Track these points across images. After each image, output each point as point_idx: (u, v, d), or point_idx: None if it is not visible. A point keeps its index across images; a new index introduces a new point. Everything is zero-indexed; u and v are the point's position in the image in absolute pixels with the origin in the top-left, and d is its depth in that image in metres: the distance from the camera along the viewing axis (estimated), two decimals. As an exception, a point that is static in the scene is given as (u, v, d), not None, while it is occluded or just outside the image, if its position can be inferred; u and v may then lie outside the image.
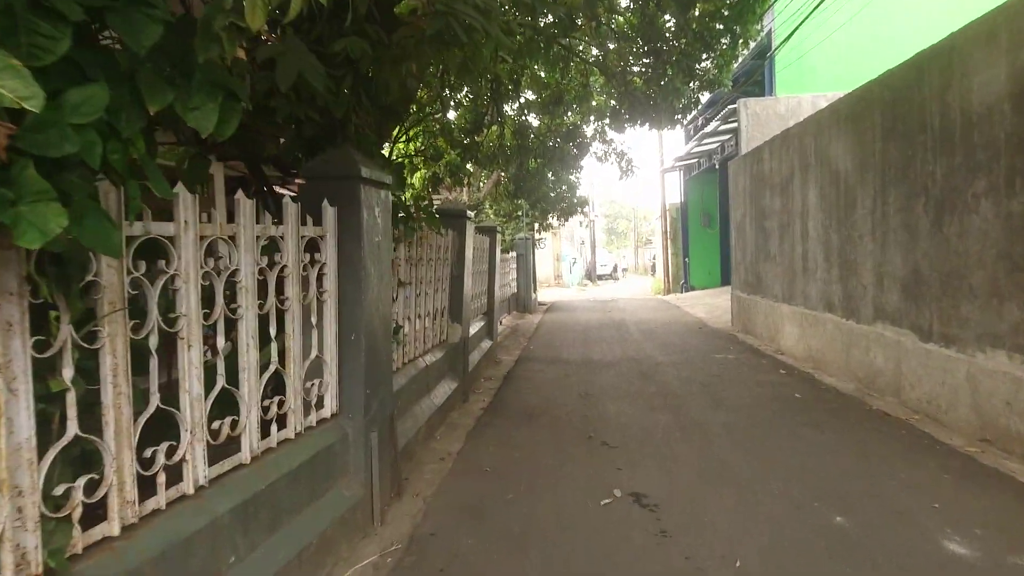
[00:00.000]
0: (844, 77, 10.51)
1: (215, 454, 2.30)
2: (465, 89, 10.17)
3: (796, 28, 9.47)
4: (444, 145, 10.23)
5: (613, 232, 77.74)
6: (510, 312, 13.79)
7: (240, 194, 2.32)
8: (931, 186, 4.96)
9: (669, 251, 22.15)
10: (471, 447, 4.61)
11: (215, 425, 2.26)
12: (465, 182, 16.11)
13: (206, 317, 2.20)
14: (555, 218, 20.40)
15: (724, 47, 9.79)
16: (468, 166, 10.95)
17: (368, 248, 3.11)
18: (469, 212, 7.34)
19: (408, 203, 4.60)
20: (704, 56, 10.16)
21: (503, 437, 4.87)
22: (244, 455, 2.43)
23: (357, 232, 3.03)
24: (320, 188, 2.97)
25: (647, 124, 10.76)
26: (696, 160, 18.51)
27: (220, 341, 2.27)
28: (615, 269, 42.52)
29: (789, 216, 8.33)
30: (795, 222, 8.08)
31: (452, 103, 10.40)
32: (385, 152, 7.61)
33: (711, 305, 15.35)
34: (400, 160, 9.22)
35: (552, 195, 19.39)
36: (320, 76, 2.14)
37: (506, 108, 11.40)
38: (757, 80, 13.57)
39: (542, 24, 7.95)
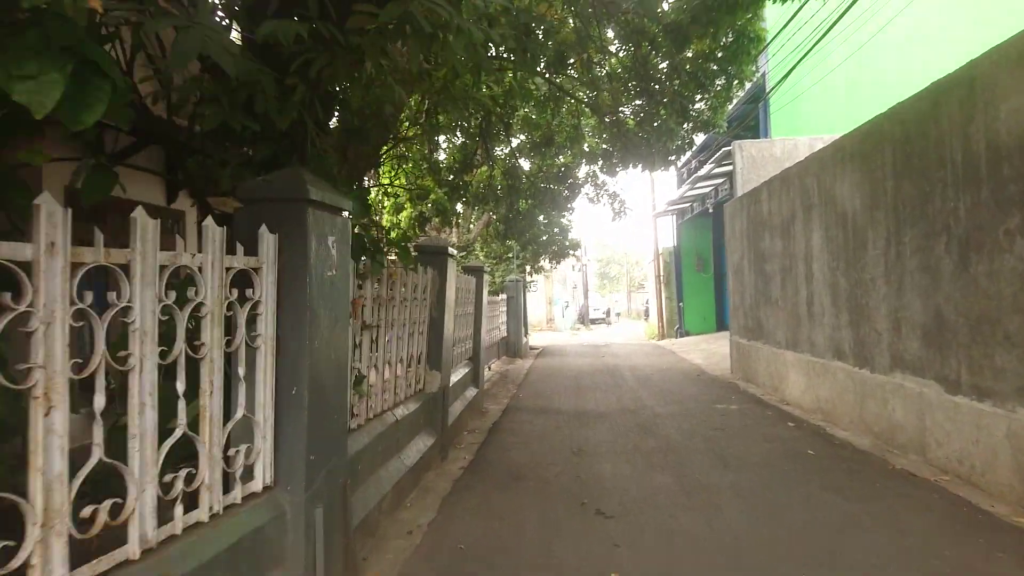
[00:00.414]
0: (839, 120, 10.32)
1: (88, 550, 1.74)
2: (455, 126, 9.89)
3: (792, 68, 9.30)
4: (432, 184, 9.88)
5: (606, 276, 77.67)
6: (500, 357, 13.23)
7: (138, 211, 1.83)
8: (954, 224, 4.55)
9: (663, 295, 21.76)
10: (445, 517, 4.01)
11: (86, 512, 1.71)
12: (454, 223, 15.77)
13: (78, 369, 1.68)
14: (547, 260, 20.06)
15: (719, 88, 9.60)
16: (457, 207, 10.58)
17: (317, 284, 2.61)
18: (452, 249, 6.81)
19: (374, 234, 4.12)
20: (699, 97, 9.96)
21: (484, 504, 4.28)
22: (131, 549, 1.86)
23: (303, 265, 2.53)
24: (259, 212, 2.48)
25: (640, 165, 10.49)
26: (689, 204, 18.32)
27: (98, 400, 1.74)
28: (608, 313, 42.08)
29: (791, 259, 7.93)
30: (798, 265, 7.67)
31: (440, 141, 10.11)
32: (365, 183, 7.15)
33: (708, 351, 14.85)
34: (373, 187, 8.78)
35: (543, 238, 19.12)
36: (232, 61, 1.69)
37: (496, 149, 11.14)
38: (751, 124, 13.47)
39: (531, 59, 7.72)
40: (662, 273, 21.81)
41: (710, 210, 16.03)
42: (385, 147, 5.95)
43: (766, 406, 7.78)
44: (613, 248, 76.67)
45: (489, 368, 11.85)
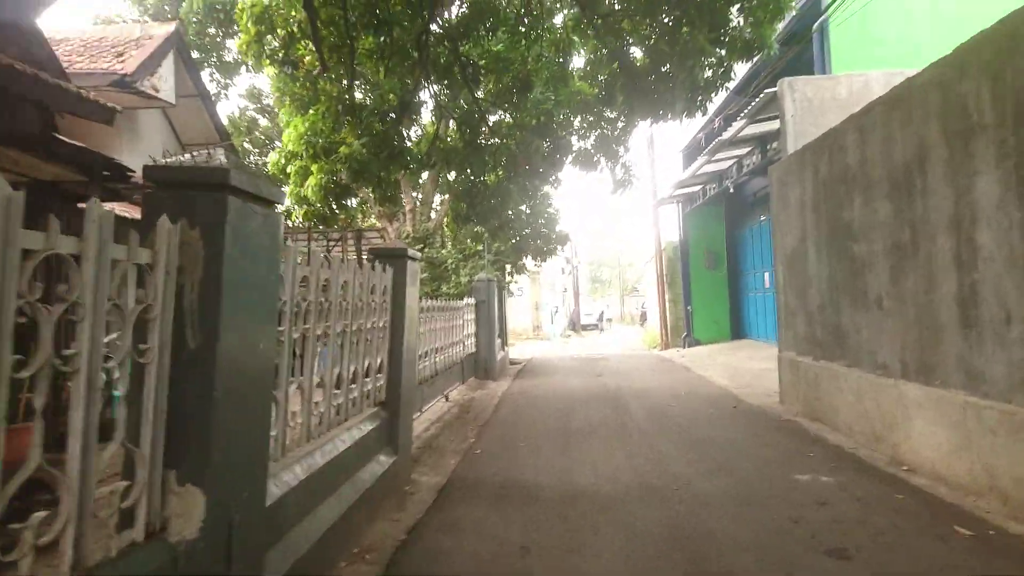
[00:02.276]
0: (922, 49, 7.20)
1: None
2: (385, 55, 6.69)
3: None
4: (348, 131, 6.68)
5: (597, 280, 74.68)
6: (464, 380, 10.00)
7: None
8: None
9: (666, 297, 18.62)
10: None
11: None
12: (408, 208, 12.51)
13: None
14: (530, 259, 16.89)
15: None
16: (390, 172, 7.35)
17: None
18: (413, 252, 4.86)
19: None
20: (736, 6, 6.85)
21: None
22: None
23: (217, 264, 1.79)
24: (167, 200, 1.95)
25: (653, 113, 7.35)
26: (701, 186, 15.21)
27: None
28: (601, 318, 38.91)
29: (914, 230, 4.81)
30: (935, 239, 4.54)
31: (358, 69, 6.89)
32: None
33: (731, 367, 11.69)
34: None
35: (526, 230, 15.98)
36: None
37: (445, 90, 7.95)
38: (802, 60, 10.27)
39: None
40: (665, 272, 18.68)
41: (731, 189, 12.93)
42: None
43: (883, 479, 4.62)
44: (604, 250, 73.71)
45: (446, 398, 8.63)
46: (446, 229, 14.65)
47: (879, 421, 5.38)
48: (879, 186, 5.32)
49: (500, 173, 8.72)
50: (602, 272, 74.51)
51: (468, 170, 7.83)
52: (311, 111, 6.70)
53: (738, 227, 16.67)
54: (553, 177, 9.22)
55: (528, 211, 15.99)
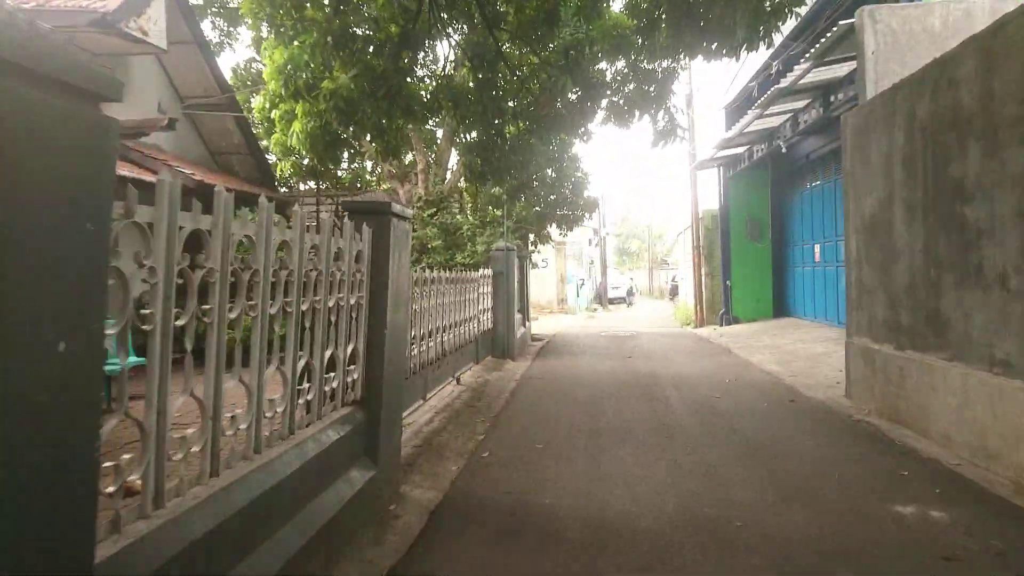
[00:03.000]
0: None
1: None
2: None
3: None
4: (338, 66, 5.57)
5: (625, 252, 72.85)
6: (479, 360, 8.99)
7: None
8: None
9: (703, 271, 17.29)
10: None
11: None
12: (420, 168, 11.38)
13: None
14: (556, 227, 15.68)
15: None
16: (391, 117, 6.20)
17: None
18: (401, 207, 3.96)
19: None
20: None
21: None
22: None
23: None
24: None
25: (706, 46, 6.06)
26: (747, 147, 13.75)
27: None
28: (629, 292, 37.50)
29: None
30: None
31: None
32: None
33: (780, 350, 10.46)
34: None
35: (552, 196, 14.75)
36: None
37: (455, 22, 6.74)
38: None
39: None
40: (702, 243, 17.32)
41: (783, 148, 11.50)
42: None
43: (1018, 516, 3.46)
44: (632, 223, 71.71)
45: (457, 381, 7.64)
46: (465, 195, 13.52)
47: (996, 433, 4.19)
48: (1014, 129, 4.03)
49: (520, 124, 7.51)
50: (630, 244, 72.67)
51: (482, 116, 6.63)
52: (295, 43, 5.58)
53: (785, 194, 15.20)
54: (582, 129, 7.95)
55: (553, 175, 14.72)
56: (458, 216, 10.32)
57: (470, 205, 13.60)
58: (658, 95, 6.99)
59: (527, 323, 13.33)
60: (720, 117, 15.99)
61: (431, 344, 6.43)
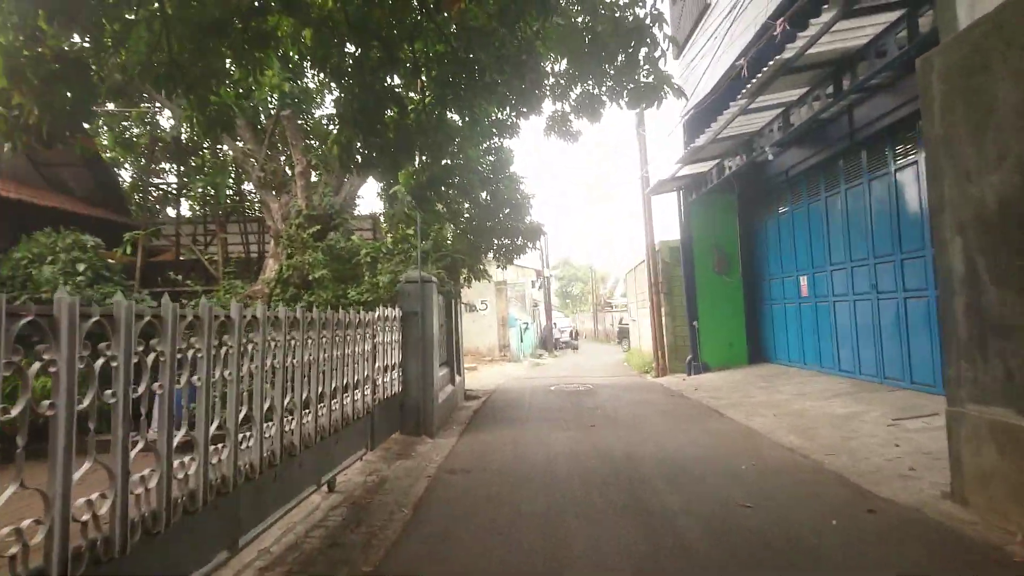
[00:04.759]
0: None
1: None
2: None
3: None
4: None
5: (567, 296, 71.17)
6: (374, 442, 6.10)
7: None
8: None
9: (662, 310, 14.98)
10: None
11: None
12: (299, 170, 8.48)
13: None
14: (494, 259, 13.06)
15: None
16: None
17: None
18: None
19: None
20: None
21: None
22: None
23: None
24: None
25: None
26: (715, 164, 11.64)
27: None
28: (574, 335, 35.14)
29: None
30: None
31: None
32: None
33: (783, 408, 8.00)
34: None
35: (488, 223, 12.21)
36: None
37: None
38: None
39: None
40: (660, 279, 15.05)
41: (770, 156, 9.27)
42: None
43: None
44: (575, 265, 70.33)
45: (329, 488, 4.74)
46: (382, 220, 10.78)
47: None
48: None
49: (428, 92, 4.91)
50: (573, 287, 71.15)
51: (358, 62, 3.99)
52: None
53: (757, 220, 13.20)
54: (523, 104, 5.40)
55: (488, 198, 12.21)
56: (353, 238, 7.55)
57: (386, 230, 10.84)
58: (636, 30, 4.53)
59: (458, 378, 10.49)
60: (676, 135, 13.98)
61: (268, 434, 3.58)
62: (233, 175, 9.83)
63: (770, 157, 9.29)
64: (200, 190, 10.09)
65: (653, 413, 8.65)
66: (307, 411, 4.38)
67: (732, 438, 6.71)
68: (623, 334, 30.32)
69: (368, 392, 5.77)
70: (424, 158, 5.30)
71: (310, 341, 4.44)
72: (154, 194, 12.05)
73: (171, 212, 12.31)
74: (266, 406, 3.70)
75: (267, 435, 3.66)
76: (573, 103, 11.35)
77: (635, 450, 6.21)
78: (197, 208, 10.87)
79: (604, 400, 10.19)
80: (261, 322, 3.60)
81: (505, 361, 23.38)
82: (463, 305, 15.42)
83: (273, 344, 3.84)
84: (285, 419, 3.98)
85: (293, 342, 4.16)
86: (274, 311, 3.85)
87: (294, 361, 4.14)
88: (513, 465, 5.76)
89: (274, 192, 8.07)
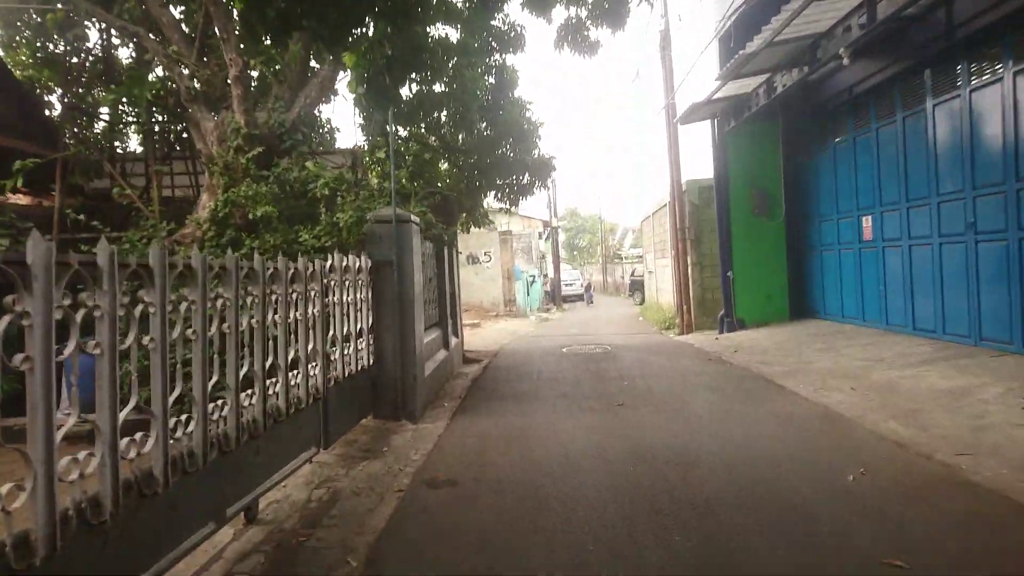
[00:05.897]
0: None
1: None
2: None
3: None
4: None
5: (575, 248, 69.09)
6: (330, 440, 4.47)
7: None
8: None
9: (688, 260, 13.20)
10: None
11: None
12: (233, 74, 6.52)
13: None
14: (498, 200, 11.25)
15: None
16: None
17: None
18: None
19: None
20: None
21: None
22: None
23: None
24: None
25: None
26: (759, 84, 9.64)
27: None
28: (588, 288, 33.28)
29: None
30: None
31: None
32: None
33: (861, 379, 6.30)
34: None
35: (488, 160, 10.41)
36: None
37: None
38: None
39: None
40: (688, 223, 13.20)
41: (845, 60, 7.30)
42: None
43: None
44: (583, 217, 67.90)
45: (246, 518, 3.11)
46: (365, 153, 8.94)
47: None
48: None
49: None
50: (580, 239, 69.00)
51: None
52: None
53: (807, 151, 11.26)
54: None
55: (489, 130, 10.32)
56: (308, 164, 5.74)
57: (368, 165, 9.00)
58: None
59: (453, 340, 8.85)
60: (711, 54, 11.84)
61: (144, 446, 1.92)
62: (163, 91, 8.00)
63: (845, 62, 7.30)
64: (111, 102, 8.28)
65: (694, 386, 7.00)
66: (192, 416, 2.73)
67: (811, 426, 5.04)
68: (635, 287, 28.54)
69: (316, 372, 4.11)
70: (384, 27, 3.51)
71: (192, 307, 2.75)
72: (98, 126, 10.24)
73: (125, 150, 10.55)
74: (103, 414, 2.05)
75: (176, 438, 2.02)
76: (590, 6, 9.00)
77: (686, 448, 4.56)
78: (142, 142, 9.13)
79: (628, 367, 8.54)
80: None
81: (511, 317, 21.79)
82: (463, 256, 13.68)
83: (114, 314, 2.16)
84: (138, 435, 2.34)
85: (152, 309, 2.46)
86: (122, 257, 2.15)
87: (154, 337, 2.45)
88: (518, 474, 4.13)
89: (208, 109, 6.25)
